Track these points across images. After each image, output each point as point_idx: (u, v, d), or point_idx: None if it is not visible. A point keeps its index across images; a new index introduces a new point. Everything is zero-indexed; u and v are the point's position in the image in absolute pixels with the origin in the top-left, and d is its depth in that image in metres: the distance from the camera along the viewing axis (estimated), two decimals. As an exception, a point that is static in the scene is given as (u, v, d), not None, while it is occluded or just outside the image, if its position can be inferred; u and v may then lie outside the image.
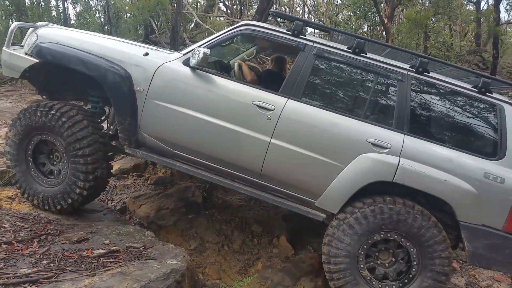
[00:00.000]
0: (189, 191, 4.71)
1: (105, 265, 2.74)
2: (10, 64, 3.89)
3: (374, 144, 3.40)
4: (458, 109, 3.59)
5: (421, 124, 3.57)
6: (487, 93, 3.52)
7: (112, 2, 15.60)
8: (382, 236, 3.38)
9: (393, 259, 3.47)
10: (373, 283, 3.42)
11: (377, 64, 3.61)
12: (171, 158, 3.74)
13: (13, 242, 3.02)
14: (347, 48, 3.65)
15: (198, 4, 17.70)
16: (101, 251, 2.94)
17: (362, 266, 3.41)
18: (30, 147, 3.77)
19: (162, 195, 4.68)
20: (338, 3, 24.09)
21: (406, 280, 3.41)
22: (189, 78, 3.62)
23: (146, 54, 3.72)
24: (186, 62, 3.64)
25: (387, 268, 3.47)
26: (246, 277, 3.77)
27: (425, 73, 3.60)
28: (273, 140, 3.49)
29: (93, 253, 2.91)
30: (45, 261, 2.77)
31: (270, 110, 3.50)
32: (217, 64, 4.56)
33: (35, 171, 3.82)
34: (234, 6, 17.51)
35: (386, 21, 13.52)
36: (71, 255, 2.87)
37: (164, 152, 3.75)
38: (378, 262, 3.49)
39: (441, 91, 3.60)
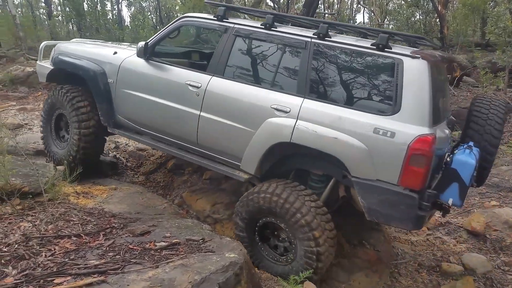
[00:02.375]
0: (243, 186, 4.77)
1: (167, 257, 2.85)
2: (40, 72, 5.33)
3: (276, 109, 3.66)
4: (358, 69, 3.61)
5: (321, 87, 3.69)
6: (386, 49, 3.41)
7: (164, 2, 16.07)
8: (267, 218, 3.72)
9: (279, 237, 3.78)
10: (266, 252, 3.82)
11: (285, 35, 3.84)
12: (139, 134, 4.64)
13: (81, 235, 3.21)
14: (260, 25, 3.97)
15: (246, 0, 17.80)
16: (163, 243, 3.06)
17: (257, 238, 3.85)
18: (53, 119, 5.13)
19: (217, 190, 4.79)
20: (388, -9, 23.31)
21: (291, 256, 3.67)
22: (139, 67, 4.47)
23: (115, 53, 4.73)
24: (138, 55, 4.44)
25: (280, 243, 3.79)
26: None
27: (326, 38, 3.67)
28: (202, 113, 4.04)
29: (156, 246, 3.02)
30: (111, 253, 2.92)
31: (197, 87, 4.06)
32: (179, 52, 5.43)
33: (54, 137, 5.19)
34: (281, 1, 17.44)
35: (440, 8, 12.89)
36: (135, 247, 3.01)
37: (134, 129, 4.66)
38: (270, 237, 3.85)
39: (342, 53, 3.66)
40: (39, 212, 3.62)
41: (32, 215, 3.54)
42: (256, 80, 3.99)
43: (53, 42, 5.56)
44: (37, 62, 5.45)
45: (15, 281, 2.48)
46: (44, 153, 5.61)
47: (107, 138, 5.35)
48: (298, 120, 3.56)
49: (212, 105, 4.00)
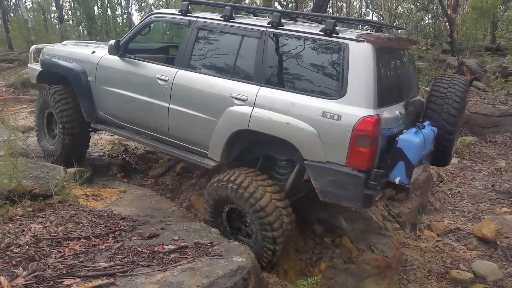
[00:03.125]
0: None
1: (175, 261, 2.85)
2: (31, 74, 5.65)
3: (235, 98, 3.81)
4: (309, 55, 3.68)
5: (276, 75, 3.78)
6: (333, 34, 3.48)
7: (173, 6, 16.18)
8: (231, 205, 3.86)
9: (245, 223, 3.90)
10: (233, 237, 3.93)
11: (242, 26, 3.98)
12: (119, 128, 4.91)
13: (90, 237, 3.24)
14: (220, 17, 4.12)
15: (255, 4, 17.85)
16: (171, 246, 3.07)
17: (225, 223, 3.99)
18: (44, 117, 5.48)
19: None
20: (397, -5, 23.21)
21: (253, 240, 3.80)
22: (114, 64, 4.72)
23: (93, 52, 4.98)
24: (109, 52, 4.69)
25: (244, 228, 3.94)
26: (309, 277, 3.76)
27: (279, 27, 3.77)
28: (170, 105, 4.25)
29: (164, 249, 3.03)
30: (120, 256, 2.94)
31: (166, 81, 4.26)
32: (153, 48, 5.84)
33: (45, 133, 5.53)
34: (290, 5, 17.47)
35: (450, 12, 12.81)
36: (143, 250, 3.02)
37: (114, 124, 4.93)
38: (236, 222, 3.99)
39: (295, 40, 3.72)
40: (49, 214, 3.65)
41: (42, 217, 3.58)
42: (218, 71, 4.11)
43: (42, 45, 5.82)
44: (28, 64, 5.85)
45: (25, 282, 2.51)
46: (54, 155, 5.67)
47: (117, 141, 5.40)
48: (254, 108, 3.69)
49: (179, 97, 4.21)
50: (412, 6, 17.37)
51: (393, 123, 3.52)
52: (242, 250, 3.10)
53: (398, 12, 21.24)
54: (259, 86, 3.75)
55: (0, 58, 14.54)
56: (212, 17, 4.26)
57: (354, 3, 25.82)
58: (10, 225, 3.36)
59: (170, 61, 4.70)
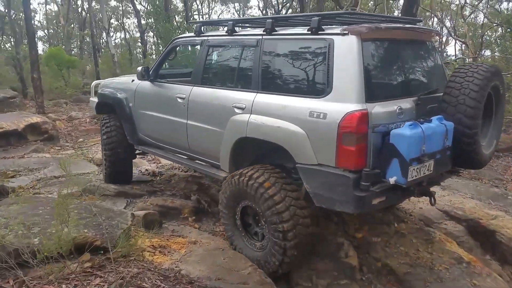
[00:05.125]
0: (341, 250, 3.96)
1: None
2: (92, 107, 6.23)
3: (236, 107, 3.86)
4: (298, 56, 3.62)
5: (270, 80, 3.79)
6: (319, 32, 3.40)
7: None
8: (245, 202, 3.70)
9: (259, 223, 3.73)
10: (245, 239, 3.84)
11: (243, 38, 4.11)
12: (155, 148, 5.28)
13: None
14: (225, 32, 4.31)
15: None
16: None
17: (238, 223, 3.87)
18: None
19: (309, 252, 4.02)
20: (482, 22, 21.37)
21: (264, 244, 3.64)
22: (146, 89, 5.14)
23: (133, 80, 5.39)
24: (138, 78, 5.16)
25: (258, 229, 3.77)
26: None
27: (273, 33, 3.80)
28: (188, 121, 4.48)
29: None
30: None
31: (183, 98, 4.50)
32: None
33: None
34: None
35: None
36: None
37: (152, 144, 5.30)
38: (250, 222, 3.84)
39: (286, 43, 3.75)
40: (109, 272, 3.14)
41: (101, 276, 3.07)
42: (223, 83, 4.30)
43: (101, 80, 6.54)
44: (90, 98, 6.39)
45: None
46: (125, 193, 5.33)
47: (191, 178, 4.94)
48: (251, 115, 3.70)
49: (194, 113, 4.41)
50: (505, 32, 15.63)
51: (391, 118, 3.22)
52: None
53: (485, 39, 19.36)
54: (256, 93, 3.78)
55: (88, 90, 15.32)
56: (218, 33, 4.55)
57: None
58: (63, 286, 2.89)
59: (185, 81, 4.91)
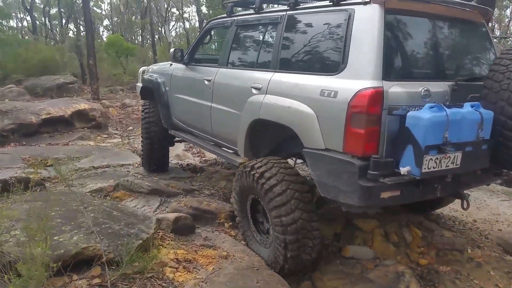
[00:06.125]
0: (402, 281, 3.23)
1: None
2: (138, 92, 6.17)
3: (253, 88, 3.63)
4: (319, 30, 3.29)
5: (289, 58, 3.55)
6: (341, 1, 3.07)
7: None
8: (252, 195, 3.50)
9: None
10: (255, 234, 3.66)
11: (268, 15, 3.87)
12: (186, 133, 5.16)
13: None
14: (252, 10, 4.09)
15: None
16: None
17: (249, 217, 3.68)
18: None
19: (360, 278, 3.34)
20: None
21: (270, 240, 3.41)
22: (180, 73, 5.07)
23: (171, 64, 5.33)
24: (172, 60, 5.21)
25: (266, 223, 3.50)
26: None
27: (296, 7, 3.56)
28: (212, 104, 4.31)
29: None
30: None
31: (209, 81, 4.35)
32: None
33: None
34: None
35: None
36: None
37: (183, 129, 5.20)
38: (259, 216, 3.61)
39: (307, 17, 3.48)
40: (120, 293, 2.68)
41: (108, 298, 2.62)
42: (246, 64, 4.14)
43: (147, 66, 6.44)
44: (137, 84, 6.35)
45: None
46: (159, 191, 4.91)
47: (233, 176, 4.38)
48: (266, 95, 3.48)
49: (218, 95, 4.25)
50: None
51: (414, 101, 2.79)
52: None
53: None
54: (273, 72, 3.55)
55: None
56: (248, 12, 4.29)
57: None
58: (63, 308, 2.46)
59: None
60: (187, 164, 6.50)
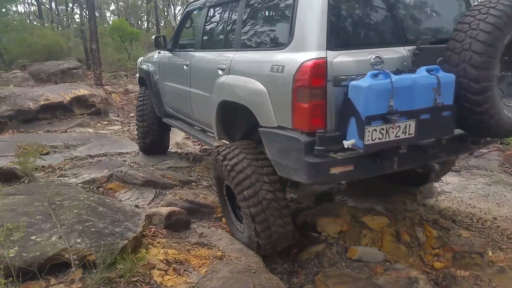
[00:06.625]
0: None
1: None
2: (136, 81, 6.37)
3: (219, 69, 3.56)
4: (273, 5, 3.26)
5: (248, 36, 3.47)
6: None
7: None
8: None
9: None
10: (235, 220, 3.60)
11: None
12: (176, 120, 5.05)
13: None
14: None
15: None
16: None
17: (227, 204, 3.62)
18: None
19: (368, 283, 3.03)
20: None
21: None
22: (165, 60, 5.05)
23: (159, 52, 5.28)
24: (155, 47, 5.30)
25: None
26: None
27: None
28: (191, 89, 4.28)
29: None
30: None
31: (187, 65, 4.32)
32: None
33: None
34: None
35: None
36: None
37: (174, 116, 5.11)
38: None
39: None
40: (99, 300, 2.41)
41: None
42: (216, 45, 4.05)
43: (146, 56, 6.44)
44: (136, 74, 6.41)
45: None
46: (154, 183, 4.63)
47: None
48: (228, 75, 3.42)
49: (194, 79, 4.21)
50: None
51: (366, 70, 2.57)
52: None
53: None
54: (235, 52, 3.48)
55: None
56: None
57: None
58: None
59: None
60: (186, 153, 6.22)
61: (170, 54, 4.91)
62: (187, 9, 4.89)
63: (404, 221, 3.80)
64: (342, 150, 2.57)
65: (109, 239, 2.78)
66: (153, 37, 5.11)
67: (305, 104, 2.57)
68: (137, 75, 6.17)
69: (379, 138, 2.50)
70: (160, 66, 5.20)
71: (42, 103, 8.00)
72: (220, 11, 4.08)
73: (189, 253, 3.24)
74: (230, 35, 3.70)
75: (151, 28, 34.44)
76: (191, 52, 4.36)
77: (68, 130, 7.66)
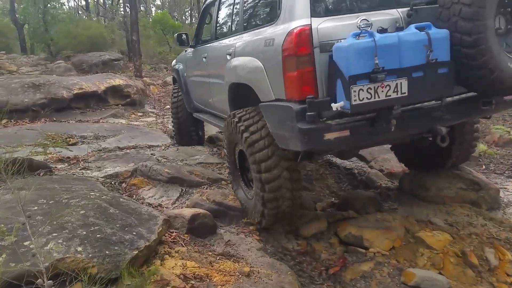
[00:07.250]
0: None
1: None
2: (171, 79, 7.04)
3: (227, 54, 3.68)
4: None
5: (249, 18, 3.63)
6: None
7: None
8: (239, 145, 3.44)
9: None
10: (243, 186, 3.66)
11: None
12: (204, 114, 5.20)
13: None
14: None
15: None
16: None
17: (238, 168, 3.68)
18: None
19: None
20: None
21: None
22: (190, 56, 5.31)
23: (186, 51, 5.57)
24: (176, 44, 5.47)
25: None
26: None
27: None
28: (210, 80, 4.43)
29: None
30: None
31: (205, 57, 4.53)
32: None
33: None
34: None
35: None
36: None
37: (202, 110, 5.26)
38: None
39: None
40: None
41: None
42: (225, 34, 4.17)
43: None
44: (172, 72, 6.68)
45: None
46: (180, 180, 4.20)
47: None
48: (233, 58, 3.52)
49: (211, 69, 4.36)
50: None
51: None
52: None
53: None
54: (240, 35, 3.59)
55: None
56: None
57: None
58: None
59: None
60: (218, 148, 5.78)
61: (194, 50, 5.09)
62: (204, 5, 5.16)
63: (469, 239, 3.16)
64: (339, 117, 2.59)
65: (116, 248, 2.37)
66: (175, 35, 5.24)
67: (294, 73, 2.61)
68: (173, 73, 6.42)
69: (367, 98, 2.46)
70: (187, 63, 5.45)
71: (75, 92, 7.83)
72: (232, 1, 4.14)
73: (212, 266, 2.79)
74: (236, 21, 3.85)
75: (194, 23, 34.52)
76: (208, 45, 4.59)
77: (101, 120, 7.44)
